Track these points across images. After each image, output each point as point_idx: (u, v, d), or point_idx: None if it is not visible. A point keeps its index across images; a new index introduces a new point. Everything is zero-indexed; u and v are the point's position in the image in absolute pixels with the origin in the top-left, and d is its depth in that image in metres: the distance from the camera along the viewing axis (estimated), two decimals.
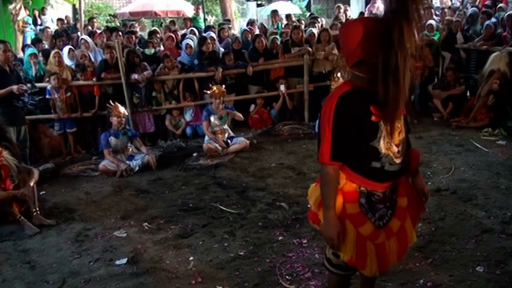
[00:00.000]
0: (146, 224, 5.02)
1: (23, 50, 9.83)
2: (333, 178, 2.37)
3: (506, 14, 8.71)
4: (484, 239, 4.21)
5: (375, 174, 2.39)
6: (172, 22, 13.47)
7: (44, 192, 6.20)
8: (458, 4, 12.53)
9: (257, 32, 10.37)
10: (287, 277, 3.80)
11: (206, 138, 7.51)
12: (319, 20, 10.70)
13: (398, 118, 2.36)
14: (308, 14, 14.69)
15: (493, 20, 9.24)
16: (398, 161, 2.40)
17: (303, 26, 9.77)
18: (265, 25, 11.43)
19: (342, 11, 12.09)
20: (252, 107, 8.85)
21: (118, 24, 15.72)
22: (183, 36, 9.81)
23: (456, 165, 6.17)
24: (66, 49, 8.57)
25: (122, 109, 7.08)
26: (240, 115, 7.79)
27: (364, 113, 2.31)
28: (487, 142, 7.10)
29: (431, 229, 4.48)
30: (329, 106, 2.33)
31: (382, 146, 2.35)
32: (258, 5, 25.73)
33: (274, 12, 12.06)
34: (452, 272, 3.72)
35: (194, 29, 10.62)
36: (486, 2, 11.36)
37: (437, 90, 8.62)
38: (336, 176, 2.38)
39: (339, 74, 8.22)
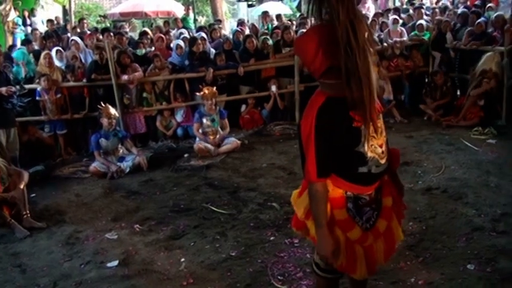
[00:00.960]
0: (137, 225, 5.01)
1: (10, 50, 9.75)
2: (322, 195, 2.32)
3: (495, 15, 8.77)
4: (475, 237, 4.23)
5: (362, 179, 2.36)
6: (167, 23, 13.44)
7: (34, 194, 6.16)
8: (449, 4, 12.58)
9: (247, 32, 10.38)
10: (279, 277, 3.80)
11: (197, 138, 7.51)
12: (308, 20, 10.69)
13: (377, 117, 2.33)
14: (299, 14, 14.69)
15: (482, 19, 9.30)
16: (383, 161, 2.38)
17: (294, 27, 9.76)
18: (256, 25, 11.43)
19: None
20: (243, 107, 8.85)
21: (108, 25, 15.68)
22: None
23: (446, 164, 6.20)
24: (54, 50, 8.52)
25: (112, 110, 7.06)
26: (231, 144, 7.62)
27: (345, 121, 2.26)
28: (477, 141, 7.13)
29: (422, 228, 4.50)
30: (308, 124, 2.27)
31: (367, 149, 2.31)
32: (249, 6, 25.75)
33: (265, 13, 12.07)
34: (443, 270, 3.75)
35: (184, 30, 10.62)
36: (476, 2, 11.45)
37: (427, 99, 8.64)
38: (325, 192, 2.34)
39: None
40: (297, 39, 2.56)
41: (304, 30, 8.94)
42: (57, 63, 8.28)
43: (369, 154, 2.32)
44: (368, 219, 2.45)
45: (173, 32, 10.84)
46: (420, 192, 5.34)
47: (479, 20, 8.62)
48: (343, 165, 2.34)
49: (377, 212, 2.48)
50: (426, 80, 8.94)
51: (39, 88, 7.74)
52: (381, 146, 2.36)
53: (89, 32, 10.17)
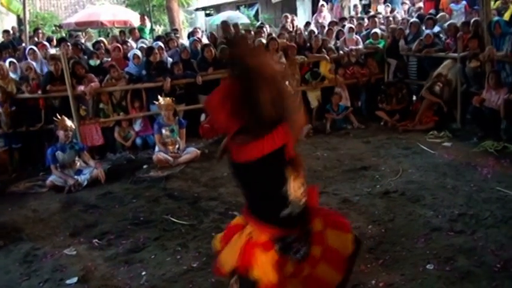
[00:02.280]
0: (96, 240, 4.92)
1: None
2: None
3: (447, 23, 9.07)
4: (433, 238, 4.35)
5: (285, 222, 2.41)
6: (123, 32, 13.28)
7: None
8: (403, 13, 12.89)
9: (203, 39, 10.38)
10: None
11: (156, 149, 7.44)
12: (264, 29, 10.77)
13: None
14: (258, 23, 14.77)
15: (437, 27, 9.58)
16: (303, 201, 2.43)
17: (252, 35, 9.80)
18: (215, 34, 11.40)
19: (289, 20, 12.21)
20: (203, 116, 8.79)
21: (64, 35, 15.37)
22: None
23: (404, 167, 6.34)
24: (7, 62, 8.32)
25: (68, 122, 6.93)
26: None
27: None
28: (433, 144, 7.33)
29: (381, 231, 4.59)
30: None
31: (292, 190, 2.36)
32: (207, 15, 25.75)
33: (224, 23, 12.06)
34: (404, 271, 3.83)
35: (144, 40, 10.56)
36: (430, 10, 11.78)
37: (383, 105, 8.82)
38: None
39: (286, 82, 8.33)
40: (209, 101, 2.50)
41: (262, 40, 9.12)
42: (11, 74, 8.07)
43: (292, 196, 2.36)
44: (297, 250, 2.47)
45: (132, 43, 10.70)
46: (378, 196, 5.44)
47: (427, 31, 8.91)
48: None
49: (308, 242, 2.50)
50: (382, 87, 9.12)
51: None
52: (302, 186, 2.42)
53: (45, 42, 9.95)
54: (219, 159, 2.85)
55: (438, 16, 10.41)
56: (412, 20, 9.71)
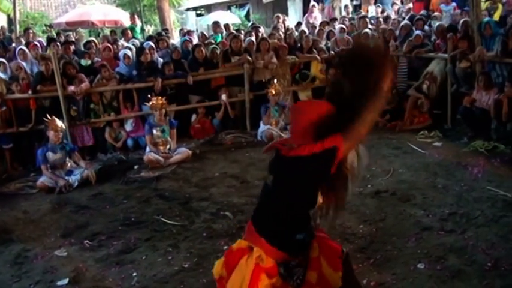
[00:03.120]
0: (87, 241, 4.89)
1: None
2: None
3: (437, 24, 9.12)
4: (424, 237, 4.38)
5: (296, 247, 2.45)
6: (114, 32, 13.22)
7: None
8: (393, 14, 12.93)
9: (196, 41, 10.36)
10: None
11: (147, 149, 7.42)
12: (259, 29, 10.78)
13: None
14: (250, 23, 14.77)
15: (426, 28, 9.63)
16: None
17: (242, 36, 9.81)
18: (206, 34, 11.39)
19: (280, 20, 12.22)
20: (194, 116, 8.80)
21: (54, 35, 15.29)
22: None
23: (394, 167, 6.37)
24: None
25: (58, 123, 6.89)
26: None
27: None
28: (424, 144, 7.37)
29: (372, 230, 4.60)
30: None
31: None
32: (198, 15, 25.72)
33: (216, 24, 12.07)
34: (395, 271, 3.85)
35: (135, 40, 10.51)
36: (421, 12, 11.84)
37: None
38: None
39: (275, 81, 8.40)
40: None
41: (252, 39, 9.13)
42: (1, 74, 8.01)
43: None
44: (298, 277, 2.48)
45: (124, 43, 10.66)
46: (369, 196, 5.46)
47: (417, 32, 8.96)
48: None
49: (305, 267, 2.52)
50: None
51: None
52: None
53: (36, 42, 9.87)
54: (265, 151, 2.86)
55: (432, 16, 10.49)
56: (403, 23, 9.73)
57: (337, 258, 2.64)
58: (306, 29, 10.75)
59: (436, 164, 6.38)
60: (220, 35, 11.37)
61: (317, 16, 13.53)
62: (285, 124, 8.19)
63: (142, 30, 14.37)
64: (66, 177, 6.70)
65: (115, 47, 9.63)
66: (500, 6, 10.59)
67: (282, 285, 2.43)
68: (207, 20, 18.22)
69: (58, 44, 9.34)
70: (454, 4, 11.32)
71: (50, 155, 6.75)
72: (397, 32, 9.49)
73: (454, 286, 3.59)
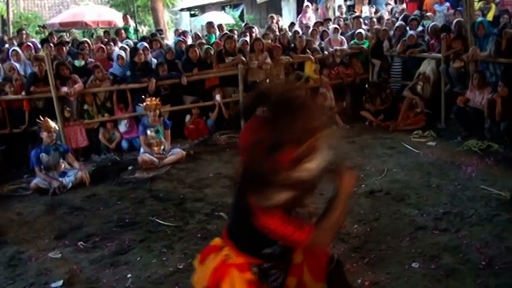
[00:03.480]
0: (81, 242, 4.87)
1: None
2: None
3: (430, 25, 9.15)
4: (418, 236, 4.39)
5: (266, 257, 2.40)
6: (107, 33, 13.19)
7: None
8: (387, 14, 12.97)
9: (189, 41, 10.35)
10: None
11: (141, 150, 7.40)
12: (253, 29, 10.77)
13: None
14: (243, 24, 14.75)
15: (420, 28, 9.66)
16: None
17: (235, 36, 9.80)
18: (200, 35, 11.38)
19: (274, 21, 12.23)
20: (188, 117, 8.78)
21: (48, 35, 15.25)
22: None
23: (389, 167, 6.39)
24: None
25: (52, 124, 6.85)
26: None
27: None
28: (418, 144, 7.39)
29: (366, 230, 4.62)
30: None
31: None
32: (191, 15, 25.69)
33: (210, 24, 12.06)
34: (389, 270, 3.86)
35: (129, 41, 10.49)
36: (414, 12, 11.88)
37: (368, 105, 8.88)
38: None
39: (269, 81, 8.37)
40: None
41: (246, 39, 9.12)
42: None
43: None
44: (275, 279, 2.44)
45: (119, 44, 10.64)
46: (364, 195, 5.47)
47: (411, 32, 8.99)
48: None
49: (285, 271, 2.48)
50: (366, 87, 9.17)
51: None
52: None
53: (29, 43, 9.84)
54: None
55: (425, 16, 10.53)
56: (397, 24, 9.75)
57: (321, 269, 2.56)
58: (299, 30, 10.75)
59: (430, 164, 6.41)
60: (214, 35, 11.36)
61: (311, 16, 13.54)
62: None
63: (136, 30, 14.34)
64: (60, 179, 6.67)
65: (108, 47, 9.60)
66: (493, 6, 10.66)
67: (257, 283, 2.37)
68: (201, 20, 18.17)
69: (51, 44, 9.30)
70: (447, 4, 11.37)
71: (43, 156, 6.71)
72: (391, 32, 9.51)
73: (448, 285, 3.61)
